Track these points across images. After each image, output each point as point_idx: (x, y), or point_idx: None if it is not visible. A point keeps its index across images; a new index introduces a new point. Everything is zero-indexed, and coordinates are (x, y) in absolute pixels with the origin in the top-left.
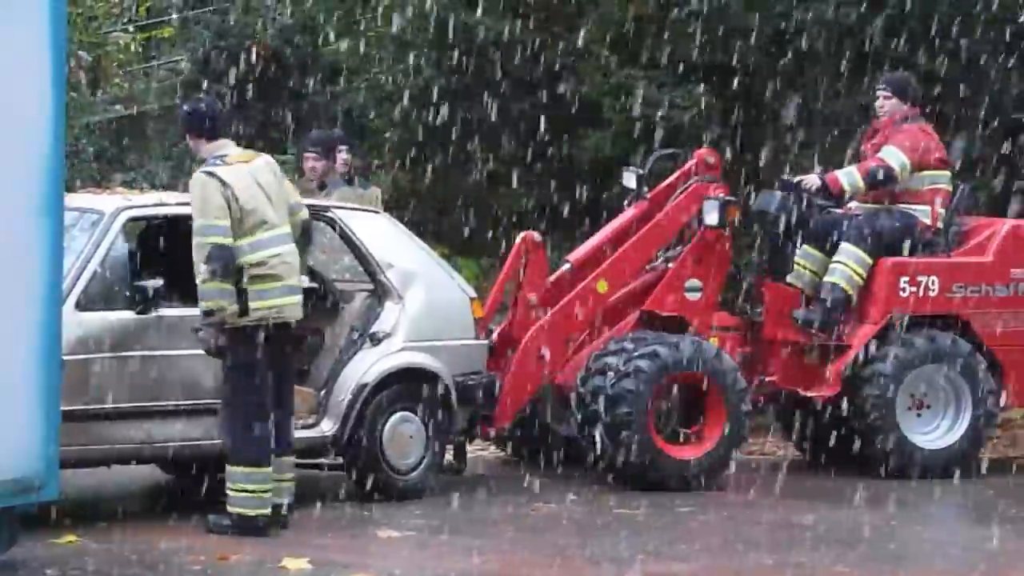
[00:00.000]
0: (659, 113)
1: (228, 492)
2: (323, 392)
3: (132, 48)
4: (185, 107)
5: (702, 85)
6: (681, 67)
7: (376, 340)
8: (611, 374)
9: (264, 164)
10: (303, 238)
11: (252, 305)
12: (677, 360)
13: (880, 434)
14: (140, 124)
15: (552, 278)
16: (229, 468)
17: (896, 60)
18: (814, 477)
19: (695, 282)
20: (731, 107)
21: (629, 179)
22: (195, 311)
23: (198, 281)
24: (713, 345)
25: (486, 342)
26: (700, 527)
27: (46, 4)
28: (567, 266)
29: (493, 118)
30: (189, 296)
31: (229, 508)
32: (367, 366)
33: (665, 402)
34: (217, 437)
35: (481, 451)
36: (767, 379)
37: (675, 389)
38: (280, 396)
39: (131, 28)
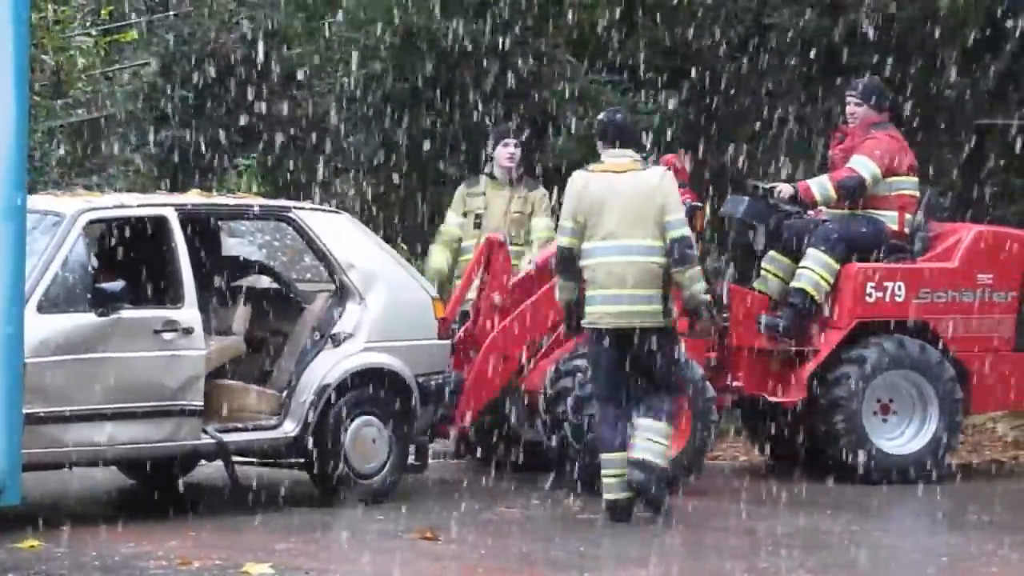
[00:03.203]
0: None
1: (658, 446)
2: (285, 393)
3: (95, 52)
4: (602, 116)
5: (666, 91)
6: (649, 72)
7: (338, 341)
8: (580, 375)
9: (630, 177)
10: (673, 256)
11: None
12: None
13: (846, 439)
14: (103, 128)
15: (516, 279)
16: (664, 427)
17: (858, 67)
18: (779, 482)
19: None
20: (696, 112)
21: None
22: (155, 313)
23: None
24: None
25: (448, 342)
26: (662, 532)
27: (8, 8)
28: (531, 267)
29: (458, 123)
30: (149, 298)
31: (656, 460)
32: (329, 367)
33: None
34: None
35: (443, 456)
36: (733, 384)
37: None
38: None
39: (94, 32)
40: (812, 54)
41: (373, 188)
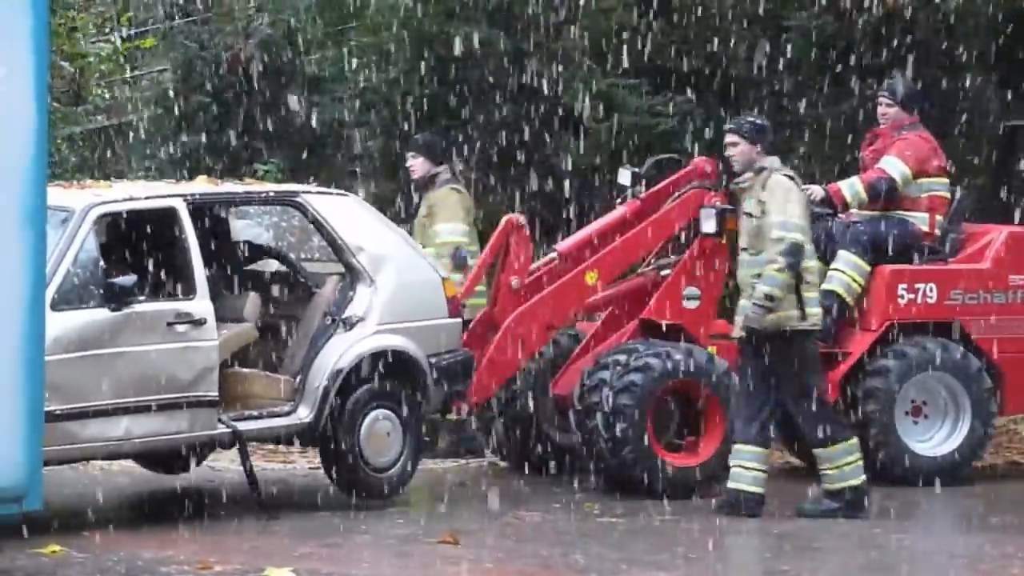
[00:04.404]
0: (639, 120)
1: (827, 473)
2: (298, 379)
3: (114, 59)
4: (759, 122)
5: (684, 94)
6: (667, 74)
7: (349, 325)
8: (607, 390)
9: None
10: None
11: (810, 311)
12: (670, 369)
13: (878, 441)
14: (122, 134)
15: (536, 266)
16: (825, 452)
17: (878, 68)
18: (808, 484)
19: (693, 290)
20: (714, 115)
21: (624, 176)
22: (168, 305)
23: (769, 268)
24: (705, 350)
25: (459, 320)
26: (683, 535)
27: (28, 16)
28: (553, 255)
29: (473, 127)
30: (161, 290)
31: (832, 486)
32: (341, 351)
33: (666, 411)
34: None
35: (463, 459)
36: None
37: (671, 398)
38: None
39: (113, 39)
40: (832, 54)
41: (390, 192)
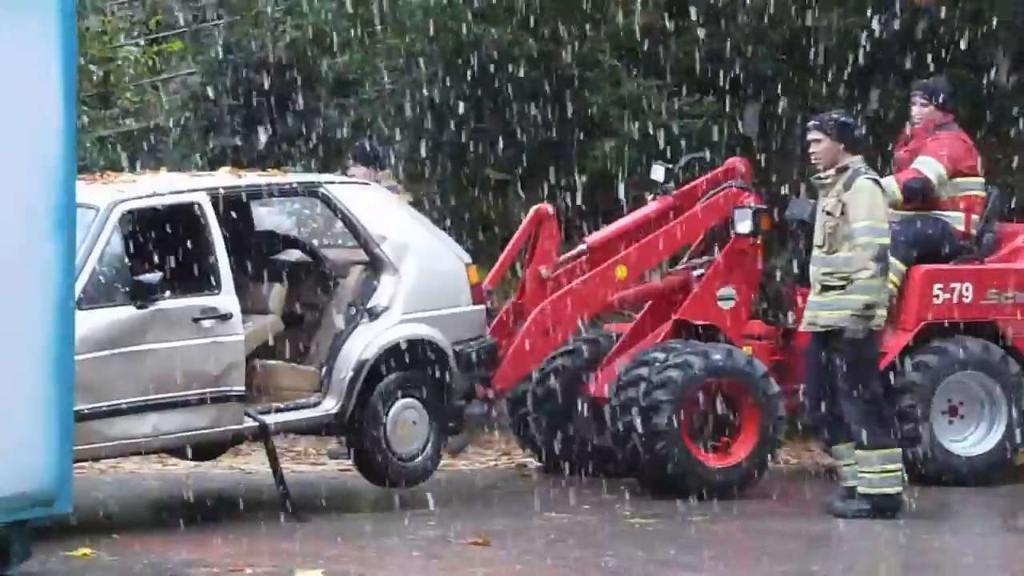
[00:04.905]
0: (666, 122)
1: (864, 475)
2: (324, 370)
3: (143, 62)
4: (843, 119)
5: (711, 95)
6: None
7: (374, 314)
8: (643, 385)
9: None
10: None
11: (877, 312)
12: (708, 368)
13: (914, 441)
14: (151, 138)
15: (564, 258)
16: (863, 454)
17: (904, 69)
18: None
19: (728, 290)
20: (741, 116)
21: (657, 172)
22: (193, 301)
23: (863, 276)
24: (744, 352)
25: (484, 307)
26: (713, 536)
27: (56, 20)
28: (583, 247)
29: (501, 129)
30: (187, 286)
31: (867, 489)
32: (367, 341)
33: (701, 410)
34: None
35: (495, 460)
36: (800, 387)
37: (707, 398)
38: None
39: (141, 42)
40: (858, 55)
41: (415, 193)
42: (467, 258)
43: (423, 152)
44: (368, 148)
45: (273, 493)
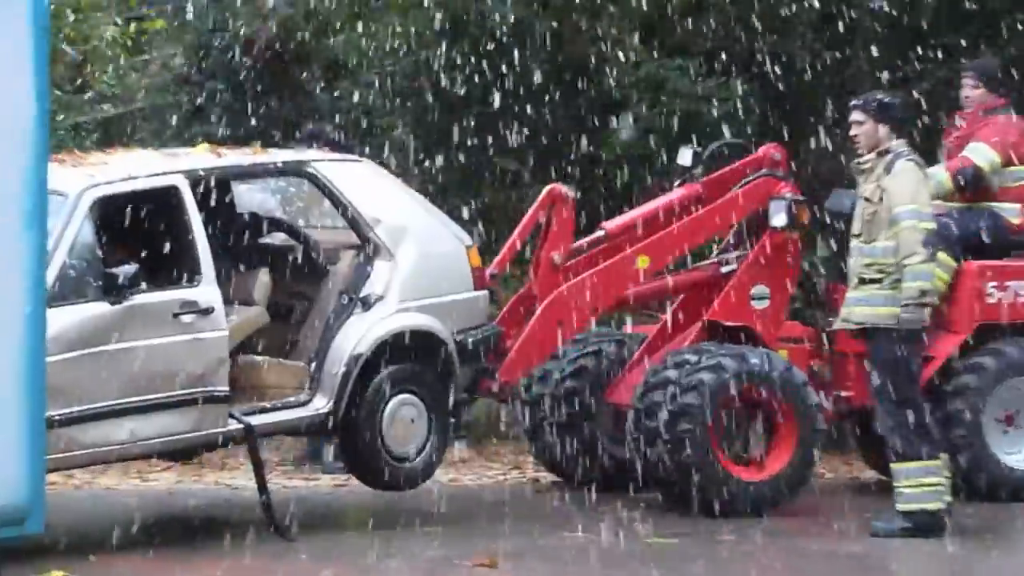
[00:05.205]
0: (691, 106)
1: (901, 491)
2: (314, 365)
3: (121, 42)
4: (886, 99)
5: (739, 77)
6: (720, 56)
7: (368, 304)
8: (672, 388)
9: None
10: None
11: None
12: (744, 373)
13: (966, 454)
14: (130, 124)
15: (580, 244)
16: (897, 466)
17: (949, 48)
18: (888, 501)
19: (762, 289)
20: (770, 100)
21: (685, 156)
22: (172, 294)
23: (913, 261)
24: (783, 358)
25: (486, 293)
26: (742, 558)
27: None
28: (601, 234)
29: (510, 115)
30: (164, 278)
31: (904, 507)
32: (361, 334)
33: (733, 419)
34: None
35: (503, 474)
36: (842, 395)
37: (740, 405)
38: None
39: (120, 20)
40: (902, 32)
41: (420, 184)
42: (468, 240)
43: (425, 139)
44: (317, 131)
45: (261, 510)
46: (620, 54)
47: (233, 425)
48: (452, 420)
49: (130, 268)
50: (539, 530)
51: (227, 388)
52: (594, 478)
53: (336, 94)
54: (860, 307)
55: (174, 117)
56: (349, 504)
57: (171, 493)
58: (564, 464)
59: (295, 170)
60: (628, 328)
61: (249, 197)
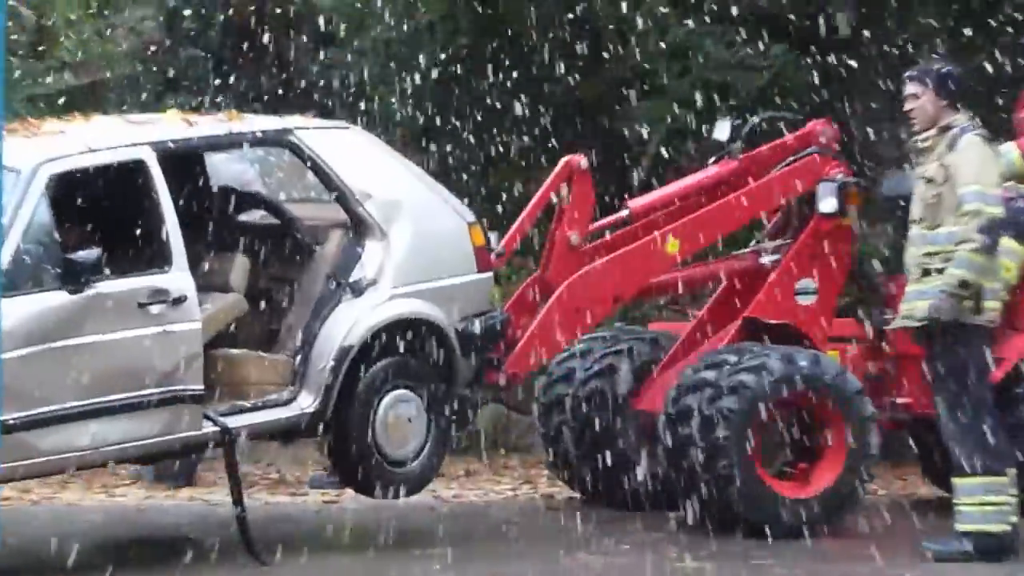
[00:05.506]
0: (723, 77)
1: (960, 510)
2: (298, 359)
3: (84, 5)
4: (945, 69)
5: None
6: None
7: (358, 290)
8: (709, 391)
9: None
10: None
11: (987, 304)
12: (791, 377)
13: None
14: (94, 95)
15: (600, 224)
16: (958, 481)
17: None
18: (942, 520)
19: (808, 283)
20: (817, 69)
21: (722, 129)
22: (139, 282)
23: (964, 248)
24: (836, 362)
25: (490, 275)
26: None
27: None
28: (625, 213)
29: (522, 88)
30: (130, 263)
31: (963, 527)
32: (350, 323)
33: (776, 428)
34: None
35: (512, 489)
36: (899, 402)
37: (785, 413)
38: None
39: None
40: None
41: (418, 164)
42: (470, 215)
43: (425, 114)
44: None
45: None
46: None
47: (208, 428)
48: (454, 418)
49: (91, 253)
50: (553, 552)
51: (201, 386)
52: (619, 493)
53: (327, 62)
54: (922, 302)
55: (145, 88)
56: (339, 523)
57: (140, 510)
58: (585, 476)
59: (275, 139)
60: (660, 325)
61: (225, 168)
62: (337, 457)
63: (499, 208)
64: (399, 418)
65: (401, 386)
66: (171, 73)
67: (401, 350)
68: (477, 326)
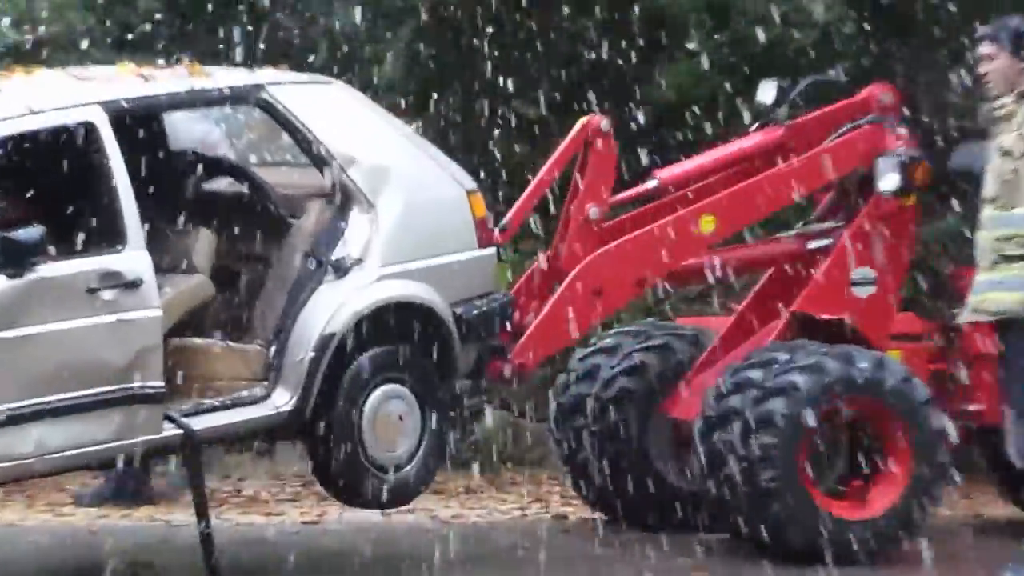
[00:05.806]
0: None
1: None
2: (272, 349)
3: None
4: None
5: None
6: None
7: (342, 269)
8: (754, 392)
9: None
10: None
11: None
12: (850, 379)
13: None
14: (36, 54)
15: (623, 196)
16: None
17: None
18: (1015, 544)
19: (866, 272)
20: (876, 25)
21: (766, 91)
22: (88, 264)
23: None
24: (900, 364)
25: (493, 251)
26: None
27: None
28: (653, 184)
29: (532, 47)
30: (77, 242)
31: None
32: (333, 308)
33: (829, 438)
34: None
35: (520, 508)
36: (970, 409)
37: (840, 421)
38: None
39: None
40: None
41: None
42: (470, 183)
43: (421, 75)
44: None
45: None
46: None
47: (170, 430)
48: (452, 415)
49: (33, 231)
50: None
51: (161, 383)
52: (645, 513)
53: (307, 15)
54: (996, 293)
55: (98, 45)
56: (320, 547)
57: (92, 531)
58: (607, 492)
59: (245, 96)
60: (689, 320)
61: (187, 130)
62: (318, 462)
63: (502, 181)
64: (389, 417)
65: (391, 380)
66: (129, 25)
67: (391, 338)
68: (478, 310)
